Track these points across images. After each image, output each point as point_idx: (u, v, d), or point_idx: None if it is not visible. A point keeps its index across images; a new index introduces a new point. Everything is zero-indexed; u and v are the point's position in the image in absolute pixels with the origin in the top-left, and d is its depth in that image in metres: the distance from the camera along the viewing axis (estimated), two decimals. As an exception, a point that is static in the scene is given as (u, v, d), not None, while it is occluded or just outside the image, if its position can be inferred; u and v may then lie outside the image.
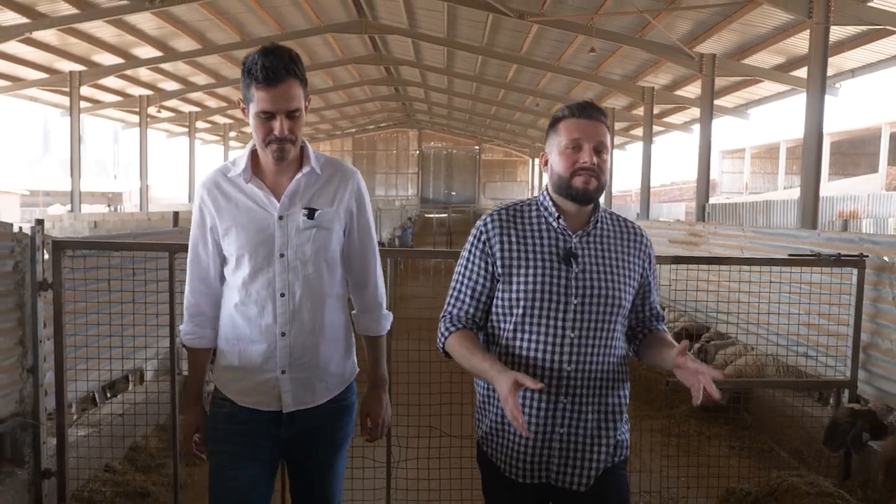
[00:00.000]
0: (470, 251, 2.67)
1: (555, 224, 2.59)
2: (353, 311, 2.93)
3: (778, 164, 47.73)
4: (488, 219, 2.66)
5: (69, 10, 18.90)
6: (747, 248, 6.49)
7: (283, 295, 2.65)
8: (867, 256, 4.85)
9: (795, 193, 31.54)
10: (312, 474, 2.82)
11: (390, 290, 4.81)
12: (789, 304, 5.42)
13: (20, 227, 4.15)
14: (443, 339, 2.65)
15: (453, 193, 60.67)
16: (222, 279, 2.77)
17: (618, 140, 35.51)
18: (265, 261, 2.65)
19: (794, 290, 5.32)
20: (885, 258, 4.81)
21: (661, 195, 55.71)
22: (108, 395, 6.01)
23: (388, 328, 2.97)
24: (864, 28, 15.66)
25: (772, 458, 5.62)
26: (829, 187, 35.01)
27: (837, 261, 4.88)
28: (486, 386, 2.64)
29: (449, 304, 2.69)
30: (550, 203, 2.61)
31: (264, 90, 2.49)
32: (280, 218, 2.65)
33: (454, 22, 22.73)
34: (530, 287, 2.53)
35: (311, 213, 2.66)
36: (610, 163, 2.62)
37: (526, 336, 2.54)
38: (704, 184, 20.12)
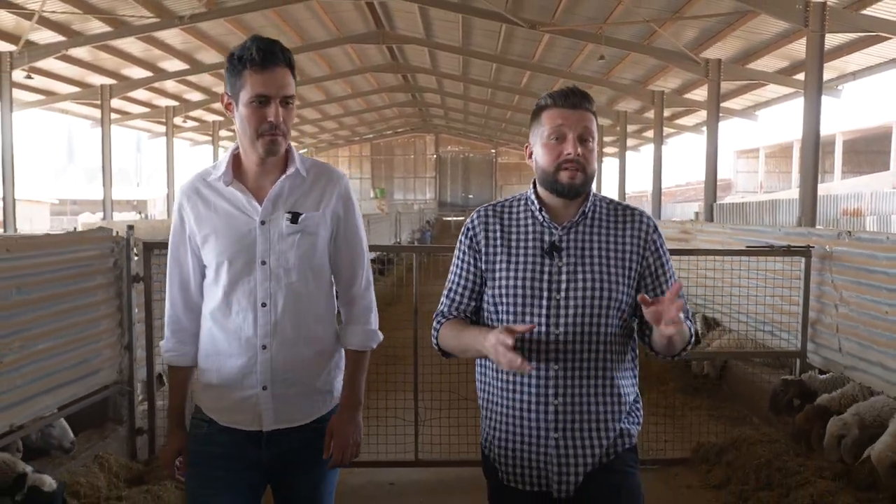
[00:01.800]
0: (459, 248, 2.62)
1: (540, 217, 2.49)
2: (341, 324, 2.75)
3: (792, 163, 48.14)
4: (475, 215, 2.61)
5: (102, 28, 19.92)
6: (726, 242, 7.38)
7: (264, 305, 2.51)
8: (813, 247, 5.76)
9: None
10: (297, 502, 2.67)
11: (416, 285, 5.73)
12: (757, 289, 6.34)
13: (116, 232, 5.08)
14: (435, 335, 2.60)
15: (470, 196, 61.32)
16: (198, 294, 2.64)
17: (630, 142, 36.21)
18: (245, 269, 2.51)
19: (759, 276, 6.25)
20: (827, 248, 5.68)
21: (677, 195, 56.13)
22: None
23: (375, 346, 2.74)
24: (863, 34, 16.38)
25: (744, 422, 6.46)
26: (841, 185, 35.57)
27: (787, 251, 5.81)
28: (484, 391, 2.57)
29: (441, 303, 2.63)
30: (534, 196, 2.53)
31: (259, 73, 2.38)
32: (262, 223, 2.51)
33: (469, 31, 23.57)
34: (511, 283, 2.45)
35: (294, 218, 2.52)
36: (596, 151, 2.48)
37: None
38: (712, 185, 20.87)
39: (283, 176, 2.52)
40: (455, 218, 46.41)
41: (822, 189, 35.91)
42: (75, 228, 28.21)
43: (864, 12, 14.88)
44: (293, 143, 2.61)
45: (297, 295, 2.53)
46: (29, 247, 4.13)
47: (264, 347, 2.50)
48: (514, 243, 2.50)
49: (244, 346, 2.51)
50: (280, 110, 2.42)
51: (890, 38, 16.29)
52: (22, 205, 21.24)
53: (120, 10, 19.09)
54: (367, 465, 5.32)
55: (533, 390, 2.42)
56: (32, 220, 37.79)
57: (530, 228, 2.50)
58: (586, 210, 2.48)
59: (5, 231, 20.06)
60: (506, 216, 2.56)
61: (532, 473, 2.46)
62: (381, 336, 2.75)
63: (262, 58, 2.36)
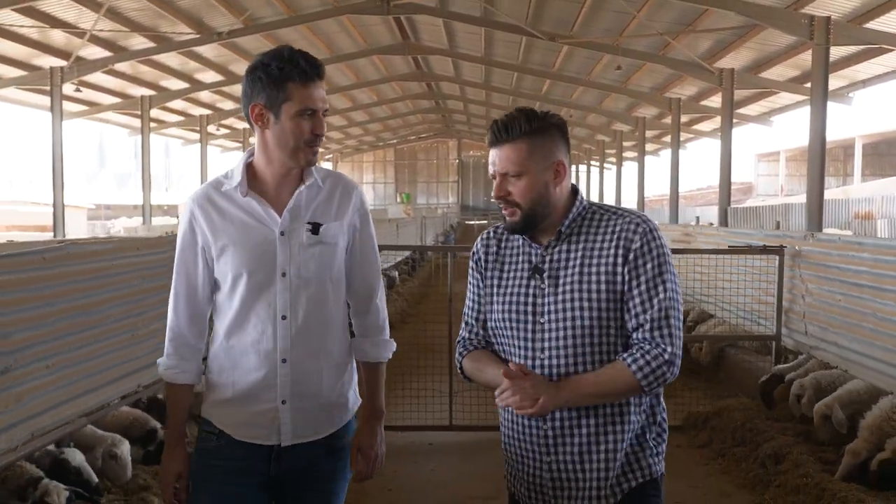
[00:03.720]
0: (470, 273, 2.62)
1: (525, 239, 2.48)
2: (353, 337, 2.74)
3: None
4: (479, 240, 2.62)
5: (145, 43, 21.06)
6: (721, 244, 8.38)
7: (284, 317, 2.48)
8: (785, 247, 6.73)
9: (827, 195, 32.82)
10: None
11: (451, 279, 6.72)
12: (740, 283, 7.46)
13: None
14: (459, 365, 2.61)
15: (492, 200, 61.92)
16: (210, 305, 2.61)
17: (650, 147, 36.91)
18: (265, 281, 2.48)
19: (743, 272, 7.30)
20: (797, 248, 6.66)
21: (698, 199, 56.58)
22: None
23: (390, 356, 2.77)
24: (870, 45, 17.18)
25: (731, 398, 7.47)
26: (860, 188, 36.19)
27: (763, 250, 6.81)
28: (504, 416, 2.55)
29: (462, 329, 2.64)
30: None
31: (307, 87, 2.39)
32: (282, 234, 2.49)
33: (491, 42, 24.50)
34: (504, 307, 2.44)
35: (315, 228, 2.51)
36: (531, 180, 2.37)
37: (507, 358, 2.44)
38: (726, 189, 21.65)
39: (302, 186, 2.53)
40: (478, 222, 47.31)
41: (840, 192, 36.59)
42: (119, 231, 29.43)
43: (868, 26, 15.67)
44: (321, 149, 2.71)
45: (317, 306, 2.52)
46: (148, 246, 5.16)
47: (284, 361, 2.48)
48: (506, 266, 2.50)
49: (263, 360, 2.48)
50: (322, 121, 2.48)
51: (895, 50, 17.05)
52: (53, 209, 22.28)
53: (162, 27, 20.20)
54: (409, 429, 6.42)
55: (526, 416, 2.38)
56: (70, 225, 38.99)
57: (520, 250, 2.49)
58: (563, 228, 2.41)
59: (55, 235, 21.21)
60: (503, 238, 2.56)
61: (534, 498, 2.44)
62: (394, 345, 2.78)
63: (310, 71, 2.40)
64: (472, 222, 48.31)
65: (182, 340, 2.59)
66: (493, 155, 2.41)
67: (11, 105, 26.53)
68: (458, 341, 2.63)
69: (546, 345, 2.35)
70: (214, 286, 2.58)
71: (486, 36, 23.28)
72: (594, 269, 2.34)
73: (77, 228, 43.42)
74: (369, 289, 2.71)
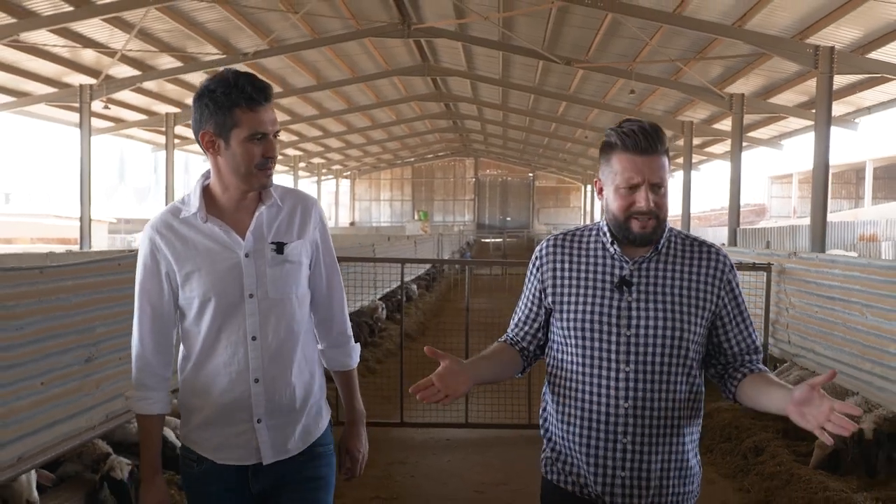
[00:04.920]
0: (528, 277, 2.62)
1: (611, 250, 2.45)
2: (321, 347, 2.79)
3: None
4: (544, 244, 2.59)
5: (172, 63, 21.83)
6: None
7: (254, 338, 2.49)
8: (772, 264, 7.34)
9: (837, 217, 33.27)
10: None
11: (468, 289, 7.35)
12: None
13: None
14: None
15: (508, 219, 62.48)
16: (175, 332, 2.61)
17: (663, 168, 37.36)
18: (234, 303, 2.49)
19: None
20: (782, 265, 7.26)
21: (712, 219, 56.87)
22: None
23: (358, 360, 2.85)
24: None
25: (724, 402, 8.03)
26: (871, 211, 36.59)
27: (752, 267, 7.42)
28: (544, 408, 2.60)
29: (510, 326, 2.68)
30: (607, 227, 2.47)
31: (255, 111, 2.39)
32: (247, 256, 2.50)
33: (508, 65, 25.17)
34: (580, 316, 2.42)
35: (279, 248, 2.52)
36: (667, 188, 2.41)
37: (581, 369, 2.42)
38: (736, 211, 22.18)
39: (262, 207, 2.54)
40: (493, 240, 47.94)
41: (850, 215, 36.99)
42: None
43: (871, 55, 16.25)
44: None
45: (286, 324, 2.54)
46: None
47: (256, 380, 2.49)
48: (584, 275, 2.47)
49: (235, 381, 2.49)
50: (275, 144, 2.48)
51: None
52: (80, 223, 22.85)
53: (190, 48, 20.98)
54: (429, 426, 7.07)
55: (602, 427, 2.40)
56: (92, 238, 39.78)
57: (601, 260, 2.47)
58: (660, 246, 2.43)
59: (81, 247, 21.89)
60: (576, 246, 2.53)
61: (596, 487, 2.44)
62: (359, 349, 2.86)
63: (257, 95, 2.39)
64: (487, 240, 48.89)
65: (149, 370, 2.57)
66: (638, 163, 2.34)
67: (37, 121, 27.37)
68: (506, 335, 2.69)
69: (632, 357, 2.36)
70: (179, 312, 2.58)
71: (504, 59, 23.94)
72: (685, 291, 2.40)
73: (99, 242, 44.25)
74: (333, 301, 2.75)
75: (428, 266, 20.30)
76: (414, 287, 16.78)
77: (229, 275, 2.49)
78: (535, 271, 2.58)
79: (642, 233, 2.37)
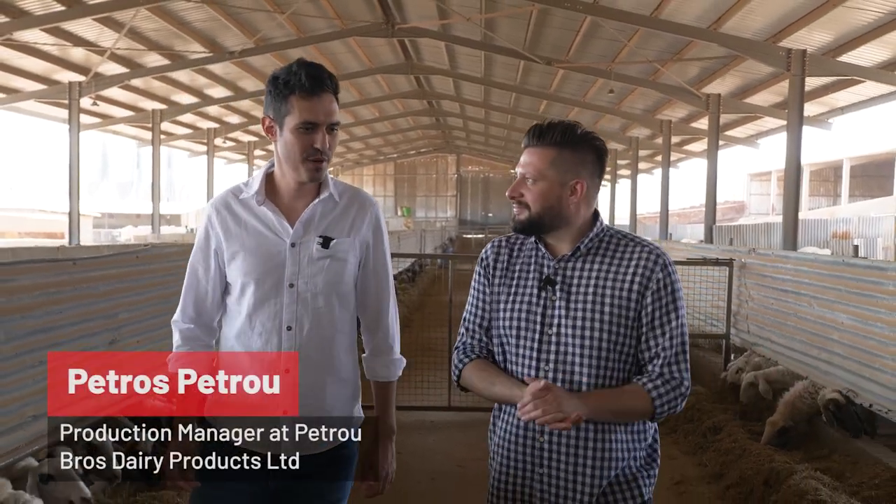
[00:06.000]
0: (475, 279, 2.60)
1: (541, 250, 2.47)
2: (364, 354, 2.75)
3: (802, 186, 49.47)
4: (489, 246, 2.60)
5: (160, 60, 22.14)
6: (687, 256, 9.57)
7: (289, 328, 2.51)
8: (734, 260, 7.89)
9: (814, 214, 33.98)
10: None
11: (451, 281, 7.82)
12: (699, 291, 8.59)
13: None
14: (457, 372, 2.58)
15: (490, 215, 62.64)
16: (219, 308, 2.63)
17: (643, 165, 37.93)
18: (273, 290, 2.51)
19: (702, 281, 8.44)
20: (743, 260, 7.81)
21: (691, 216, 57.31)
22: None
23: (400, 374, 2.78)
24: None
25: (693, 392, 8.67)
26: (846, 209, 37.30)
27: (716, 262, 7.96)
28: (499, 426, 2.55)
29: (461, 333, 2.61)
30: None
31: (308, 100, 2.41)
32: (292, 245, 2.52)
33: (490, 64, 25.56)
34: (509, 314, 2.46)
35: (325, 242, 2.53)
36: (546, 188, 2.41)
37: (510, 368, 2.46)
38: (712, 209, 22.68)
39: (317, 200, 2.55)
40: (475, 235, 48.39)
41: (828, 212, 37.69)
42: (130, 239, 30.34)
43: (842, 58, 16.79)
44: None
45: (323, 320, 2.53)
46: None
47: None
48: (517, 275, 2.50)
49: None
50: (326, 137, 2.47)
51: (867, 81, 18.20)
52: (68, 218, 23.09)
53: (177, 46, 21.31)
54: (414, 409, 7.61)
55: (522, 423, 2.42)
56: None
57: (532, 260, 2.49)
58: (581, 245, 2.44)
59: (70, 242, 22.16)
60: (516, 248, 2.55)
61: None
62: (404, 363, 2.79)
63: (311, 84, 2.41)
64: (469, 236, 49.30)
65: (190, 334, 2.61)
66: (523, 155, 2.44)
67: (24, 116, 27.64)
68: (458, 346, 2.61)
69: (552, 357, 2.38)
70: (227, 290, 2.61)
71: (486, 58, 24.35)
72: (608, 291, 2.38)
73: (84, 236, 44.31)
74: (380, 307, 2.71)
75: (410, 261, 20.77)
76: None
77: (272, 261, 2.53)
78: (482, 271, 2.59)
79: (517, 219, 2.46)
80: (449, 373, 7.70)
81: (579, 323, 2.37)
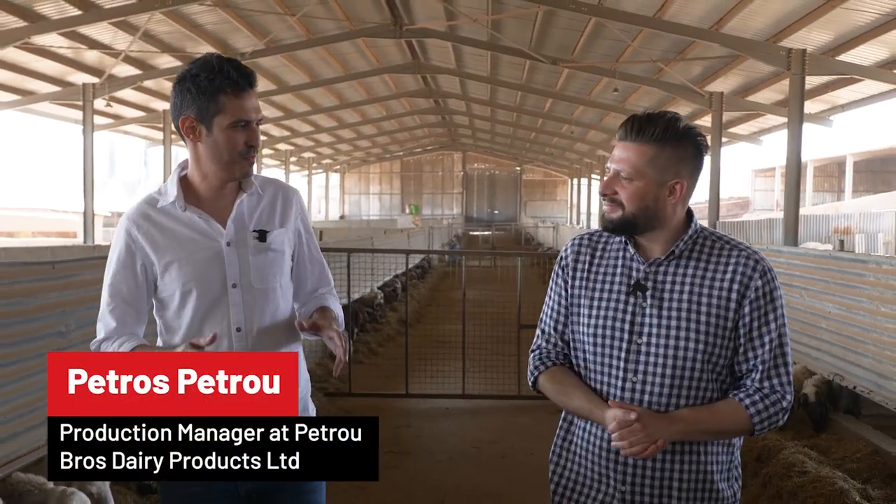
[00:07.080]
0: (553, 280, 2.44)
1: (630, 251, 2.30)
2: (296, 306, 2.66)
3: (806, 182, 49.68)
4: (570, 243, 2.43)
5: (172, 62, 22.54)
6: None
7: (238, 329, 2.44)
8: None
9: (818, 210, 34.22)
10: None
11: (464, 277, 8.29)
12: None
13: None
14: (532, 378, 2.41)
15: (496, 212, 63.17)
16: (142, 324, 2.50)
17: (648, 163, 38.09)
18: (216, 294, 2.43)
19: None
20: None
21: (696, 212, 57.52)
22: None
23: (340, 309, 2.67)
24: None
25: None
26: (849, 205, 37.56)
27: None
28: (575, 433, 2.38)
29: (537, 336, 2.46)
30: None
31: (240, 97, 2.34)
32: (228, 244, 2.44)
33: (497, 63, 25.91)
34: (593, 321, 2.29)
35: (262, 236, 2.48)
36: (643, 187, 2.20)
37: (592, 377, 2.29)
38: (715, 204, 22.96)
39: (243, 195, 2.50)
40: (481, 233, 48.65)
41: (832, 208, 37.90)
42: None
43: (841, 57, 17.13)
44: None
45: (271, 315, 2.49)
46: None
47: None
48: (600, 277, 2.33)
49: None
50: (258, 132, 2.43)
51: (866, 79, 18.54)
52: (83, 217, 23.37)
53: (189, 48, 21.68)
54: (430, 396, 8.12)
55: (604, 434, 2.25)
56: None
57: (619, 262, 2.32)
58: (676, 248, 2.25)
59: (84, 241, 22.57)
60: (599, 247, 2.39)
61: None
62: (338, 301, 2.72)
63: (242, 81, 2.35)
64: (475, 233, 49.54)
65: (116, 331, 2.47)
66: (618, 148, 2.25)
67: (38, 118, 28.08)
68: (534, 349, 2.45)
69: (642, 367, 2.21)
70: (159, 305, 2.51)
71: (492, 58, 24.70)
72: (705, 299, 2.21)
73: (97, 235, 44.73)
74: (324, 285, 2.68)
75: (420, 258, 21.17)
76: (404, 279, 17.50)
77: (211, 264, 2.44)
78: (560, 271, 2.42)
79: (608, 217, 2.29)
80: (463, 365, 8.21)
81: (673, 332, 2.21)
